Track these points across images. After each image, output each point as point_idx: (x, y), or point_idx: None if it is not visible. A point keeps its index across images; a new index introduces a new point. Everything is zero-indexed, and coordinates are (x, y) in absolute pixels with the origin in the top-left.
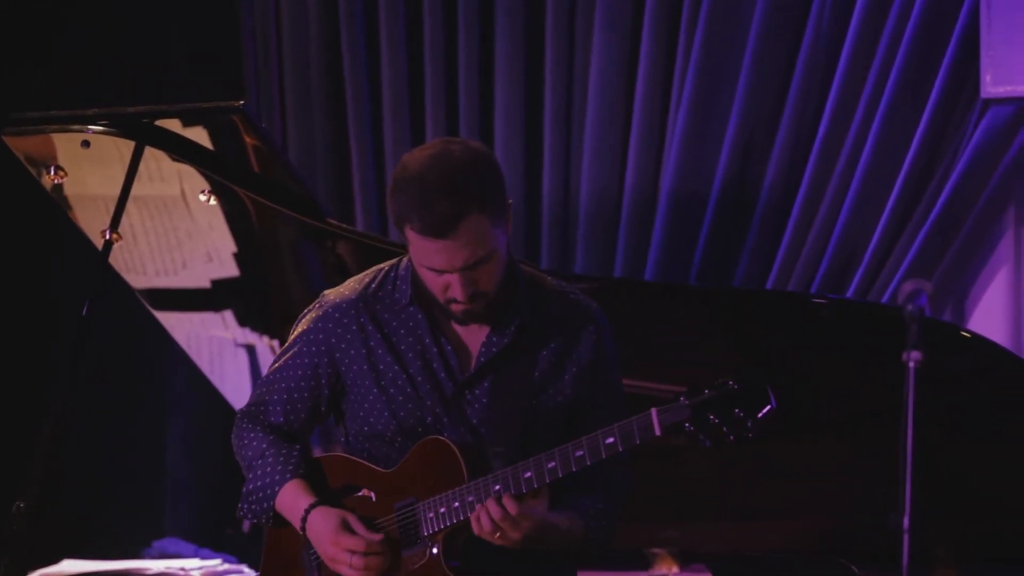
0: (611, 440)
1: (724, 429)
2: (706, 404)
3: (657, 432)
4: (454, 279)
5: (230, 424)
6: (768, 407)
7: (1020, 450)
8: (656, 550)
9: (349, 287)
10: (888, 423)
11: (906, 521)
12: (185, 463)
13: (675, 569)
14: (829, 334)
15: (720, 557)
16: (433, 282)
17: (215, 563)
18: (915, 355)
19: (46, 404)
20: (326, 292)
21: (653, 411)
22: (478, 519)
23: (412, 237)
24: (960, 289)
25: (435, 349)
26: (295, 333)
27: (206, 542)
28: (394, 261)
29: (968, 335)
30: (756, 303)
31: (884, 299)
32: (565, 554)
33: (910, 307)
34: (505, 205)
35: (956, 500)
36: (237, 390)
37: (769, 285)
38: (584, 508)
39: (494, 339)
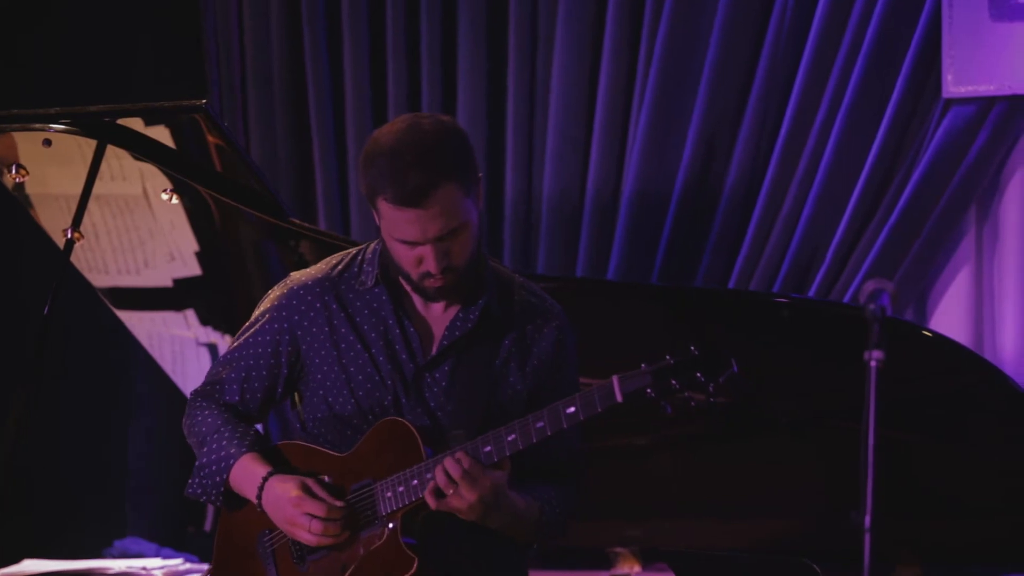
0: (572, 409)
1: (686, 394)
2: (667, 370)
3: (619, 399)
4: (427, 251)
5: None
6: (730, 371)
7: (981, 449)
8: (618, 549)
9: (316, 268)
10: (850, 422)
11: (867, 520)
12: (147, 463)
13: (637, 568)
14: (791, 333)
15: (682, 556)
16: (406, 256)
17: (177, 562)
18: (877, 354)
19: (8, 404)
20: (292, 273)
21: (614, 378)
22: (433, 477)
23: (385, 209)
24: (922, 288)
25: (398, 330)
26: (258, 311)
27: (168, 541)
28: (362, 246)
29: (930, 334)
30: (718, 302)
31: (846, 298)
32: (519, 538)
33: (872, 306)
34: (476, 178)
35: (917, 499)
36: None
37: (731, 284)
38: (539, 493)
39: (458, 323)
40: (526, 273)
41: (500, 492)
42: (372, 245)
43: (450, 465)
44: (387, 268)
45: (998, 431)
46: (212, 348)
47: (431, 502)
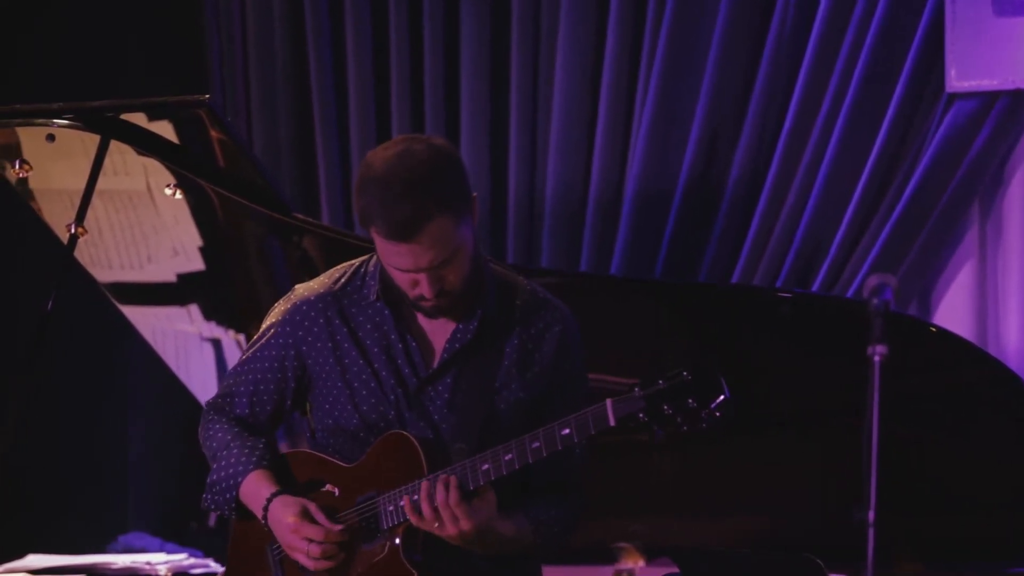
0: (567, 431)
1: (678, 420)
2: (660, 395)
3: (612, 423)
4: (421, 277)
5: (194, 419)
6: (722, 397)
7: (984, 444)
8: (622, 544)
9: (319, 282)
10: (853, 417)
11: (871, 515)
12: (150, 458)
13: (641, 563)
14: (794, 328)
15: (686, 551)
16: (400, 279)
17: (180, 557)
18: (880, 349)
19: (10, 399)
20: (296, 286)
21: (608, 402)
22: (418, 505)
23: (377, 238)
24: (925, 283)
25: (400, 345)
26: (264, 325)
27: (171, 536)
28: (365, 258)
29: (933, 329)
30: (721, 297)
31: (849, 293)
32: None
33: (875, 301)
34: (470, 200)
35: (920, 495)
36: (203, 385)
37: (734, 279)
38: (535, 515)
39: (458, 335)
40: (529, 269)
41: (486, 526)
42: (374, 258)
43: (439, 495)
44: (388, 283)
45: (1002, 427)
46: (216, 343)
47: (413, 519)
